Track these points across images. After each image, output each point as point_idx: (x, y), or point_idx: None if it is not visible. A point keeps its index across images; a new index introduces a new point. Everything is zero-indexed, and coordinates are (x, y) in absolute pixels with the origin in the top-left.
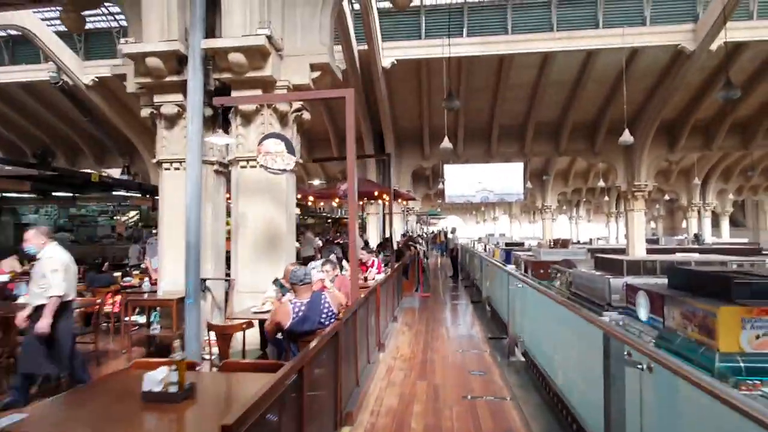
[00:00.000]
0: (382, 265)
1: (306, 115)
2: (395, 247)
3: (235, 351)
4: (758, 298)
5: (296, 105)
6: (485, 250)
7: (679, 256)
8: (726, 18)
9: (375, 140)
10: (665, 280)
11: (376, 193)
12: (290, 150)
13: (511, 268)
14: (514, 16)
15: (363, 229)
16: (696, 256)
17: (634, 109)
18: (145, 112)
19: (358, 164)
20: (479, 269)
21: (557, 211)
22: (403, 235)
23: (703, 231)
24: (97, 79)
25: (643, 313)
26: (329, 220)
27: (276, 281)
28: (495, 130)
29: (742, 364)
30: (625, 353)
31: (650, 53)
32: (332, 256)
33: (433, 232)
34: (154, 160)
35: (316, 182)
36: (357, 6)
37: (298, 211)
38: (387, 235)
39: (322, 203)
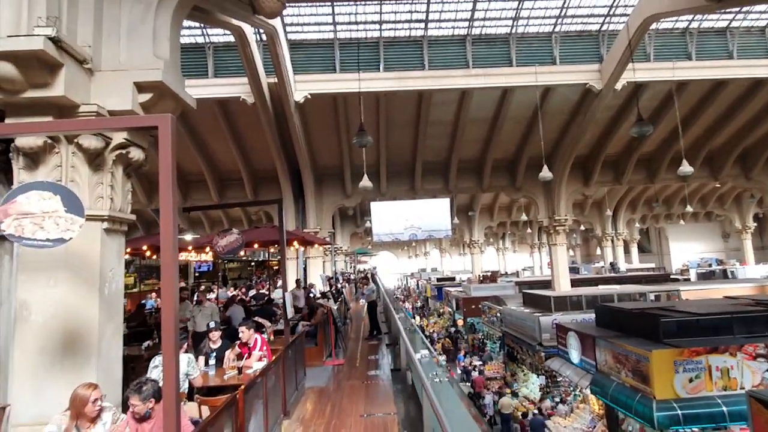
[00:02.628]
0: (267, 342)
1: (136, 154)
2: (275, 307)
3: None
4: (685, 336)
5: (118, 139)
6: (417, 286)
7: (601, 289)
8: (631, 53)
9: (292, 179)
10: (593, 316)
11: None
12: (73, 208)
13: (424, 356)
14: (430, 51)
15: (276, 272)
16: (617, 288)
17: (550, 145)
18: None
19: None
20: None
21: (485, 244)
22: (329, 278)
23: (617, 258)
24: None
25: (575, 355)
26: (252, 264)
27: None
28: (418, 166)
29: (679, 412)
30: None
31: (561, 92)
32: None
33: (361, 272)
34: None
35: (188, 237)
36: (264, 37)
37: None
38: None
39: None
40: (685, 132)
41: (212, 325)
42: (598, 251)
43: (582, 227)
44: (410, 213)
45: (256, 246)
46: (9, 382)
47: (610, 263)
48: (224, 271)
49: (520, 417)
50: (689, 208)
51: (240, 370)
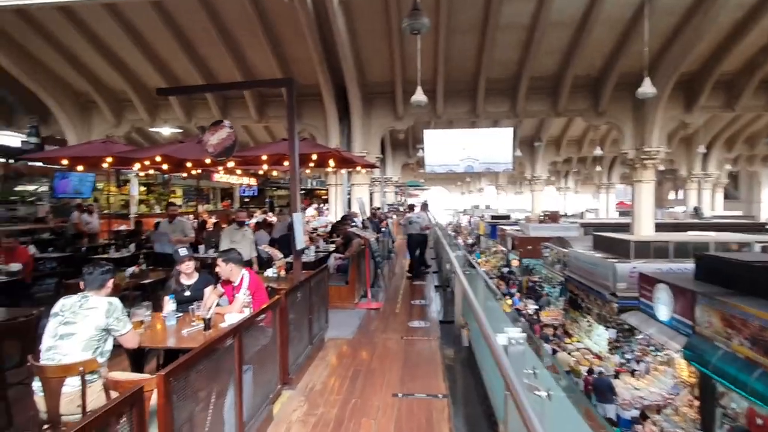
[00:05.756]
0: (262, 281)
1: None
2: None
3: None
4: None
5: None
6: (470, 223)
7: (692, 235)
8: None
9: (337, 96)
10: (684, 266)
11: (314, 157)
12: None
13: (514, 341)
14: None
15: (325, 201)
16: (713, 235)
17: (650, 58)
18: None
19: (313, 121)
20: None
21: (545, 182)
22: (375, 209)
23: (702, 203)
24: None
25: (664, 311)
26: (302, 192)
27: None
28: (481, 84)
29: None
30: None
31: None
32: None
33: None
34: None
35: (167, 130)
36: None
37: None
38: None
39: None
40: None
41: (183, 252)
42: (671, 195)
43: (661, 166)
44: (467, 142)
45: (286, 163)
46: None
47: (694, 208)
48: (272, 198)
49: (584, 373)
50: None
51: (207, 323)
